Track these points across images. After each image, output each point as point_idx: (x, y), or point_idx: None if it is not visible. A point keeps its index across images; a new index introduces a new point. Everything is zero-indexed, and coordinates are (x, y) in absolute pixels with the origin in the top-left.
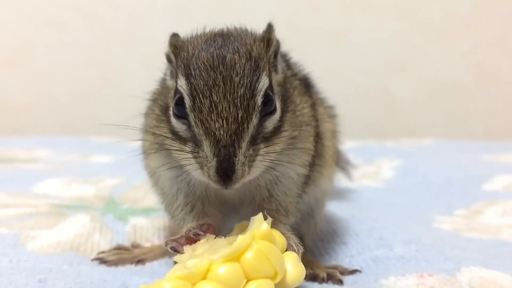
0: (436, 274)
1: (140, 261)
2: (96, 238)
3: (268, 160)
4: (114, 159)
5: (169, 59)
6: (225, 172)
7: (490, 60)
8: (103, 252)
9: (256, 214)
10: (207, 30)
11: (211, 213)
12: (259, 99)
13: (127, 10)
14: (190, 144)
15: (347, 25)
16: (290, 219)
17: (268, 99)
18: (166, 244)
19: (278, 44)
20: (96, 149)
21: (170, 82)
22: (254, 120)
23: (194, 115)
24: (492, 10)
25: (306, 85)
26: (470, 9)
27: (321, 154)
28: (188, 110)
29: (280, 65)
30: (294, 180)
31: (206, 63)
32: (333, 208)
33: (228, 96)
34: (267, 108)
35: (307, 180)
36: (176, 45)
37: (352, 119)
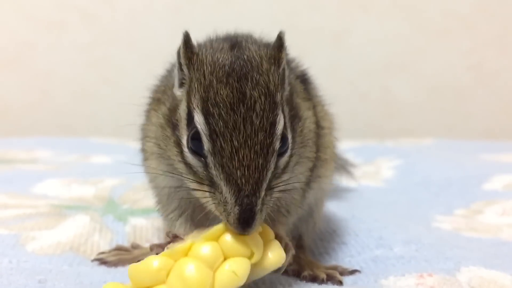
0: (436, 274)
1: None
2: (96, 238)
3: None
4: (113, 159)
5: (180, 67)
6: (246, 221)
7: (489, 60)
8: (103, 252)
9: None
10: (223, 41)
11: (197, 218)
12: (277, 144)
13: (126, 11)
14: (207, 182)
15: (347, 25)
16: (290, 218)
17: (283, 140)
18: (151, 249)
19: (284, 62)
20: (96, 149)
21: (178, 93)
22: (272, 166)
23: (213, 159)
24: (491, 10)
25: (304, 81)
26: (470, 9)
27: (320, 153)
28: (206, 151)
29: (287, 79)
30: (295, 186)
31: (226, 100)
32: (333, 208)
33: (249, 141)
34: (281, 148)
35: (309, 181)
36: (191, 59)
37: (352, 119)
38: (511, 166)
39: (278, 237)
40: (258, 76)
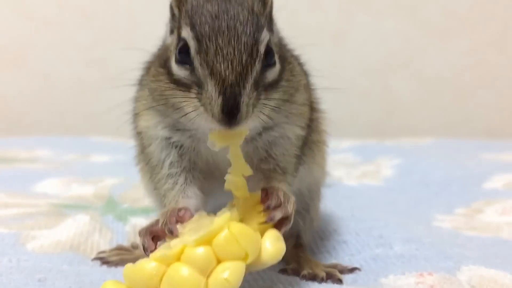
0: (436, 272)
1: None
2: (96, 238)
3: (269, 107)
4: (113, 158)
5: (172, 13)
6: (231, 110)
7: (490, 58)
8: (103, 252)
9: (253, 176)
10: None
11: (191, 193)
12: (262, 48)
13: (127, 10)
14: (194, 89)
15: (347, 23)
16: (287, 178)
17: (268, 52)
18: (140, 234)
19: (272, 5)
20: (96, 148)
21: (169, 40)
22: (257, 66)
23: (199, 57)
24: (491, 8)
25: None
26: (470, 8)
27: (313, 133)
28: (193, 53)
29: (275, 28)
30: (292, 141)
31: (212, 12)
32: (333, 207)
33: (233, 41)
34: (268, 59)
35: (305, 142)
36: (181, 1)
37: (352, 118)
38: (511, 165)
39: (274, 188)
40: (242, 1)
